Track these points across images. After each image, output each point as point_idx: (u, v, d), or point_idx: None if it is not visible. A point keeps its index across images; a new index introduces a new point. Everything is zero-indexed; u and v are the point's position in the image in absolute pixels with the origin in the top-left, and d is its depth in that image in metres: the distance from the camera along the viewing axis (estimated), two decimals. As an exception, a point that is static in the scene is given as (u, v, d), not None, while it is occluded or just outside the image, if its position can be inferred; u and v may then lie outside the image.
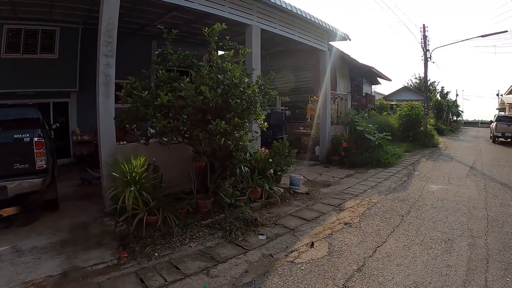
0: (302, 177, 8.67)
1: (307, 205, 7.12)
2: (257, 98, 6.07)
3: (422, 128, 18.18)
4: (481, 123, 57.72)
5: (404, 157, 13.70)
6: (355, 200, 7.45)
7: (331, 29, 11.59)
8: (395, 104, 20.70)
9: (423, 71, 19.28)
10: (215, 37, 5.96)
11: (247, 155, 6.99)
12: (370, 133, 12.55)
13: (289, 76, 18.74)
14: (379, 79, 25.93)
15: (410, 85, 43.20)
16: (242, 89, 5.76)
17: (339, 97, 13.47)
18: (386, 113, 21.48)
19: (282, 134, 13.61)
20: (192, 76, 5.93)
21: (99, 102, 5.87)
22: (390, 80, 25.67)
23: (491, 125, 23.64)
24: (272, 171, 8.13)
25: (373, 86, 28.40)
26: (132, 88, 5.62)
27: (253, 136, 7.37)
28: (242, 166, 7.01)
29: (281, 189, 7.62)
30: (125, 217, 5.07)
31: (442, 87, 42.54)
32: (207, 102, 5.37)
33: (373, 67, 20.75)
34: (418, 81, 42.87)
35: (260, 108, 6.58)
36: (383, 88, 74.20)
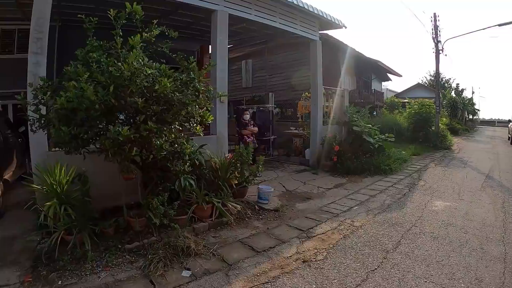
0: (271, 190, 6.98)
1: (268, 228, 5.51)
2: (175, 96, 4.44)
3: (433, 128, 16.06)
4: (498, 122, 53.90)
5: (410, 161, 11.75)
6: (333, 222, 5.72)
7: (322, 15, 9.82)
8: (407, 102, 18.62)
9: (435, 65, 17.14)
10: (122, 21, 4.45)
11: (188, 165, 5.32)
12: (369, 134, 10.71)
13: (288, 72, 17.04)
14: (390, 75, 23.81)
15: (425, 82, 40.42)
16: (147, 85, 4.18)
17: (334, 92, 11.63)
18: (397, 111, 19.44)
19: (270, 135, 11.88)
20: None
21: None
22: (400, 75, 23.54)
23: (509, 125, 21.18)
24: (235, 182, 6.59)
25: (383, 83, 26.31)
26: (41, 90, 4.38)
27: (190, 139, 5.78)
28: (183, 179, 5.42)
29: (238, 206, 5.96)
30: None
31: (457, 84, 39.61)
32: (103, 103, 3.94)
33: (379, 61, 18.74)
34: (432, 78, 40.19)
35: (196, 107, 5.04)
36: (395, 85, 71.17)
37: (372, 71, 21.33)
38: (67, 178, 4.78)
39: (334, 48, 16.70)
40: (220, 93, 6.10)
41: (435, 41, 16.66)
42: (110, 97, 3.92)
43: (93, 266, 4.02)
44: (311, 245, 4.76)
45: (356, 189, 8.04)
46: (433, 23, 16.90)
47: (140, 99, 4.11)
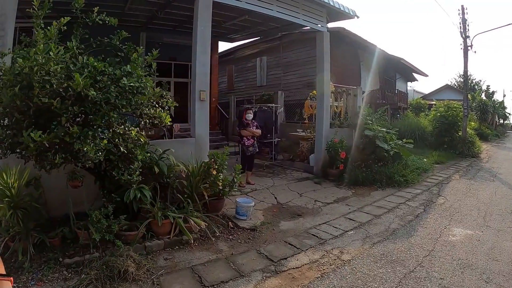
0: (251, 204, 5.80)
1: (233, 253, 4.43)
2: (96, 95, 3.46)
3: (460, 133, 14.23)
4: (532, 127, 49.62)
5: (431, 171, 10.18)
6: (315, 251, 4.50)
7: (329, 2, 8.50)
8: (434, 104, 16.78)
9: (463, 63, 15.16)
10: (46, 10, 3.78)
11: (137, 174, 4.26)
12: (384, 139, 9.28)
13: (303, 69, 15.74)
14: (416, 76, 21.88)
15: (454, 84, 37.46)
16: (55, 82, 3.27)
17: (345, 91, 10.26)
18: (423, 114, 17.65)
19: (273, 137, 10.65)
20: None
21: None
22: (426, 75, 21.49)
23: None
24: (209, 194, 5.59)
25: (409, 84, 24.40)
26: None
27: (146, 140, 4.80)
28: (132, 190, 4.39)
29: (203, 223, 4.90)
30: None
31: (488, 86, 36.24)
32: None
33: (403, 59, 17.01)
34: (461, 79, 37.26)
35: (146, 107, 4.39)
36: (422, 87, 67.43)
37: (396, 70, 19.56)
38: (19, 181, 4.26)
39: (353, 45, 15.27)
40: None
41: (463, 36, 14.74)
42: (15, 99, 3.29)
43: (27, 278, 3.55)
44: (274, 284, 3.56)
45: (360, 205, 6.71)
46: (461, 16, 14.96)
47: (54, 100, 3.33)
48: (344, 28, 13.38)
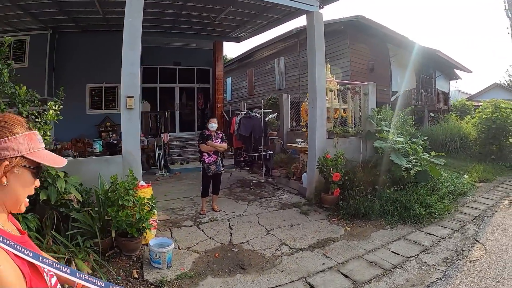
0: (168, 249, 4.00)
1: None
2: None
3: (511, 140, 10.69)
4: None
5: (471, 194, 7.21)
6: None
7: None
8: (481, 105, 13.35)
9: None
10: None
11: None
12: (404, 152, 6.67)
13: (331, 69, 13.27)
14: (459, 73, 18.15)
15: (504, 82, 31.56)
16: None
17: (349, 88, 7.69)
18: (469, 117, 14.27)
19: (262, 148, 8.32)
20: None
21: None
22: (470, 71, 17.50)
23: None
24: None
25: (453, 83, 20.64)
26: None
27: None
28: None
29: (86, 268, 3.58)
30: None
31: None
32: None
33: (439, 51, 13.72)
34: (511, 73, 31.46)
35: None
36: (469, 87, 59.57)
37: (435, 66, 16.20)
38: None
39: (380, 38, 12.50)
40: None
41: (509, 15, 11.27)
42: None
43: None
44: None
45: (345, 257, 4.28)
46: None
47: None
48: (364, 16, 10.76)
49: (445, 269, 3.91)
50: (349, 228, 5.34)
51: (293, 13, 8.21)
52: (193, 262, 4.15)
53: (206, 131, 6.22)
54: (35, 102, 4.50)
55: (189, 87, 14.27)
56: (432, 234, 4.96)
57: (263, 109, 12.18)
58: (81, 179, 4.40)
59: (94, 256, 3.74)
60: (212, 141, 6.06)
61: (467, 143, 10.82)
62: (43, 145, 1.04)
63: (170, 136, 12.13)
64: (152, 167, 10.61)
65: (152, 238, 4.38)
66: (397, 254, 4.34)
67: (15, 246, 0.87)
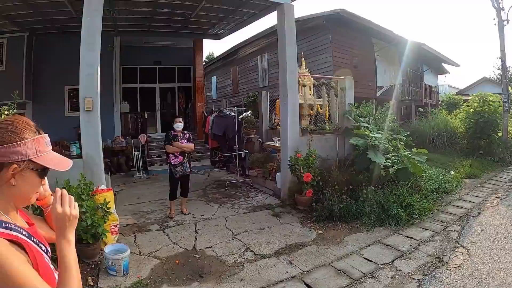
0: (123, 256, 3.70)
1: None
2: None
3: (500, 134, 10.28)
4: None
5: (457, 192, 6.70)
6: None
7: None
8: (469, 99, 12.89)
9: (499, 44, 11.03)
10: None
11: None
12: (384, 149, 6.18)
13: (307, 64, 12.78)
14: (447, 67, 17.69)
15: (493, 77, 31.05)
16: None
17: (324, 83, 7.17)
18: (458, 111, 13.82)
19: (237, 148, 7.78)
20: None
21: None
22: (457, 65, 16.97)
23: None
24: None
25: (442, 78, 20.24)
26: None
27: None
28: None
29: None
30: None
31: None
32: None
33: (424, 44, 13.16)
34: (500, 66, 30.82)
35: None
36: (458, 81, 58.87)
37: (421, 60, 15.70)
38: None
39: (364, 32, 12.02)
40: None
41: (495, 5, 10.75)
42: None
43: None
44: None
45: (313, 264, 3.81)
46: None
47: None
48: (345, 10, 10.26)
49: (421, 278, 3.40)
50: (321, 232, 4.83)
51: (269, 7, 7.75)
52: (152, 269, 3.80)
53: (172, 131, 5.76)
54: None
55: (170, 87, 13.75)
56: (411, 238, 4.46)
57: (244, 107, 11.73)
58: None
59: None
60: (179, 141, 5.59)
61: (454, 138, 10.31)
62: (50, 147, 1.11)
63: (150, 136, 11.59)
64: (131, 169, 10.08)
65: (111, 243, 4.07)
66: (370, 261, 3.83)
67: (22, 232, 1.00)
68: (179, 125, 5.67)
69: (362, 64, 12.27)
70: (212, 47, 64.14)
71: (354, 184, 5.79)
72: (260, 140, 9.70)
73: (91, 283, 3.51)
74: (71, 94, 10.73)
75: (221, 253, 4.18)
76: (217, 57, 20.88)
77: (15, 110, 4.23)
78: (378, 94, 12.33)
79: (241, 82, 17.43)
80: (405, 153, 6.28)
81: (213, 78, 20.23)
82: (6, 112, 4.06)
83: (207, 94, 21.71)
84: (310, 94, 6.98)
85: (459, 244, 4.21)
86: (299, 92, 6.77)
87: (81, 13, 8.34)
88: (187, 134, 5.80)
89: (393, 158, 6.04)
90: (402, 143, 6.62)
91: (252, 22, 9.79)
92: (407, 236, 4.51)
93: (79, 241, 3.81)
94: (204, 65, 22.04)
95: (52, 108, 10.08)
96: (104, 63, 10.79)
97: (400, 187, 5.71)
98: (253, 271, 3.71)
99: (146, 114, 12.16)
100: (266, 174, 7.46)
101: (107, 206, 4.11)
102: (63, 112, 10.53)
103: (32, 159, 1.02)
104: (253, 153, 8.87)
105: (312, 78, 7.16)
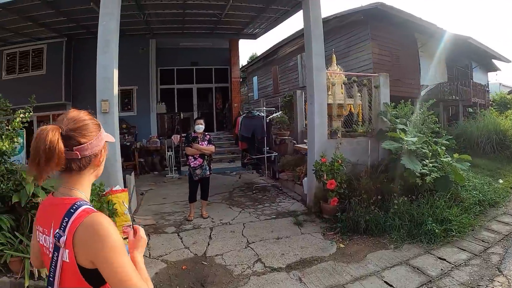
0: None
1: None
2: None
3: None
4: None
5: (504, 205, 5.84)
6: None
7: None
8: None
9: None
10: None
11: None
12: (422, 155, 5.58)
13: (343, 62, 12.00)
14: (497, 63, 15.93)
15: None
16: None
17: (355, 81, 6.61)
18: (510, 112, 12.43)
19: (265, 150, 7.46)
20: None
21: None
22: (509, 61, 14.84)
23: None
24: None
25: (493, 76, 18.33)
26: None
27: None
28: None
29: None
30: None
31: None
32: None
33: (470, 37, 11.77)
34: None
35: None
36: (510, 79, 51.89)
37: (469, 56, 14.27)
38: None
39: (406, 27, 11.17)
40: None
41: None
42: None
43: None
44: None
45: (324, 284, 3.46)
46: None
47: None
48: (383, 3, 9.55)
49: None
50: (343, 246, 4.41)
51: (299, 3, 7.35)
52: (156, 273, 3.71)
53: (192, 133, 5.65)
54: (7, 110, 4.65)
55: (207, 87, 13.77)
56: (444, 260, 3.89)
57: (280, 107, 11.38)
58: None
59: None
60: (198, 143, 5.43)
61: (505, 142, 9.18)
62: None
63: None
64: (165, 169, 10.18)
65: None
66: (390, 286, 3.37)
67: None
68: (199, 127, 5.53)
69: (404, 61, 11.41)
70: (255, 48, 63.98)
71: (385, 193, 5.26)
72: (294, 142, 9.31)
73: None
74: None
75: (230, 262, 3.97)
76: (257, 57, 20.64)
77: (31, 113, 4.29)
78: (422, 93, 11.41)
79: (281, 82, 17.04)
80: (445, 159, 5.61)
81: (255, 79, 20.03)
82: (21, 115, 4.12)
83: (248, 95, 21.59)
84: (341, 93, 6.49)
85: (499, 271, 3.59)
86: (328, 91, 6.32)
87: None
88: (208, 136, 5.64)
89: (431, 164, 5.40)
90: (443, 147, 5.93)
91: (285, 19, 9.48)
92: (439, 258, 3.94)
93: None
94: (245, 65, 22.00)
95: (91, 108, 10.43)
96: (139, 65, 11.18)
97: (437, 198, 5.08)
98: (258, 285, 3.45)
99: (182, 114, 12.23)
100: (296, 178, 7.09)
101: (113, 207, 4.09)
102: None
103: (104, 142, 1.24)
104: (285, 156, 8.53)
105: (343, 75, 6.64)
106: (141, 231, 1.32)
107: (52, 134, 1.05)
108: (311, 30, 5.81)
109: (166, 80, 12.67)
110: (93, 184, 4.06)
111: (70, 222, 1.04)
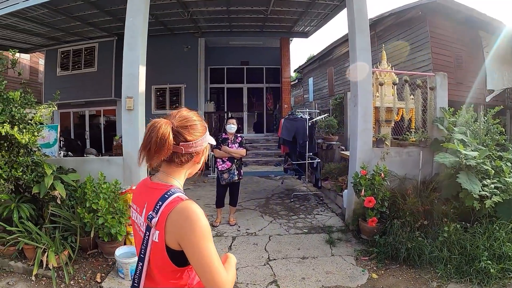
0: (128, 261, 3.56)
1: None
2: None
3: None
4: None
5: None
6: None
7: None
8: None
9: None
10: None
11: None
12: (483, 172, 4.64)
13: (400, 63, 10.94)
14: None
15: None
16: None
17: (407, 81, 5.71)
18: None
19: (307, 155, 6.86)
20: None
21: None
22: None
23: None
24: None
25: None
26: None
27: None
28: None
29: (53, 261, 3.51)
30: None
31: None
32: None
33: None
34: None
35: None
36: None
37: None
38: None
39: (469, 24, 9.73)
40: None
41: None
42: None
43: None
44: None
45: None
46: None
47: None
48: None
49: None
50: (376, 276, 3.76)
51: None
52: None
53: (223, 134, 5.29)
54: (32, 105, 4.40)
55: (257, 87, 13.43)
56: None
57: (331, 109, 10.66)
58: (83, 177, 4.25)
59: (69, 252, 3.73)
60: (228, 145, 5.06)
61: None
62: None
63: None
64: (208, 168, 10.06)
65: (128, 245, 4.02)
66: None
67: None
68: (231, 126, 5.14)
69: (468, 62, 9.95)
70: (313, 49, 62.14)
71: (434, 217, 4.45)
72: (343, 148, 8.60)
73: (99, 280, 3.55)
74: (158, 93, 11.24)
75: (242, 280, 3.59)
76: (313, 57, 19.78)
77: (55, 108, 4.39)
78: (487, 99, 9.91)
79: (336, 83, 16.08)
80: (510, 179, 4.59)
81: (310, 80, 19.26)
82: (43, 110, 4.19)
83: (304, 96, 20.88)
84: (391, 95, 5.69)
85: None
86: (376, 93, 5.59)
87: (159, 16, 8.53)
88: (239, 138, 5.23)
89: (493, 185, 4.45)
90: (508, 164, 4.89)
91: (335, 15, 8.89)
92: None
93: (98, 237, 3.93)
94: (301, 66, 21.26)
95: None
96: (187, 64, 11.13)
97: (497, 228, 4.13)
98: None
99: (230, 114, 12.06)
100: (338, 188, 6.44)
101: (123, 207, 3.96)
102: (150, 110, 11.15)
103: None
104: (330, 162, 7.89)
105: (393, 74, 5.83)
106: None
107: (165, 127, 1.14)
108: (354, 21, 5.12)
109: (216, 79, 12.60)
110: (101, 181, 4.02)
111: (163, 206, 1.12)
